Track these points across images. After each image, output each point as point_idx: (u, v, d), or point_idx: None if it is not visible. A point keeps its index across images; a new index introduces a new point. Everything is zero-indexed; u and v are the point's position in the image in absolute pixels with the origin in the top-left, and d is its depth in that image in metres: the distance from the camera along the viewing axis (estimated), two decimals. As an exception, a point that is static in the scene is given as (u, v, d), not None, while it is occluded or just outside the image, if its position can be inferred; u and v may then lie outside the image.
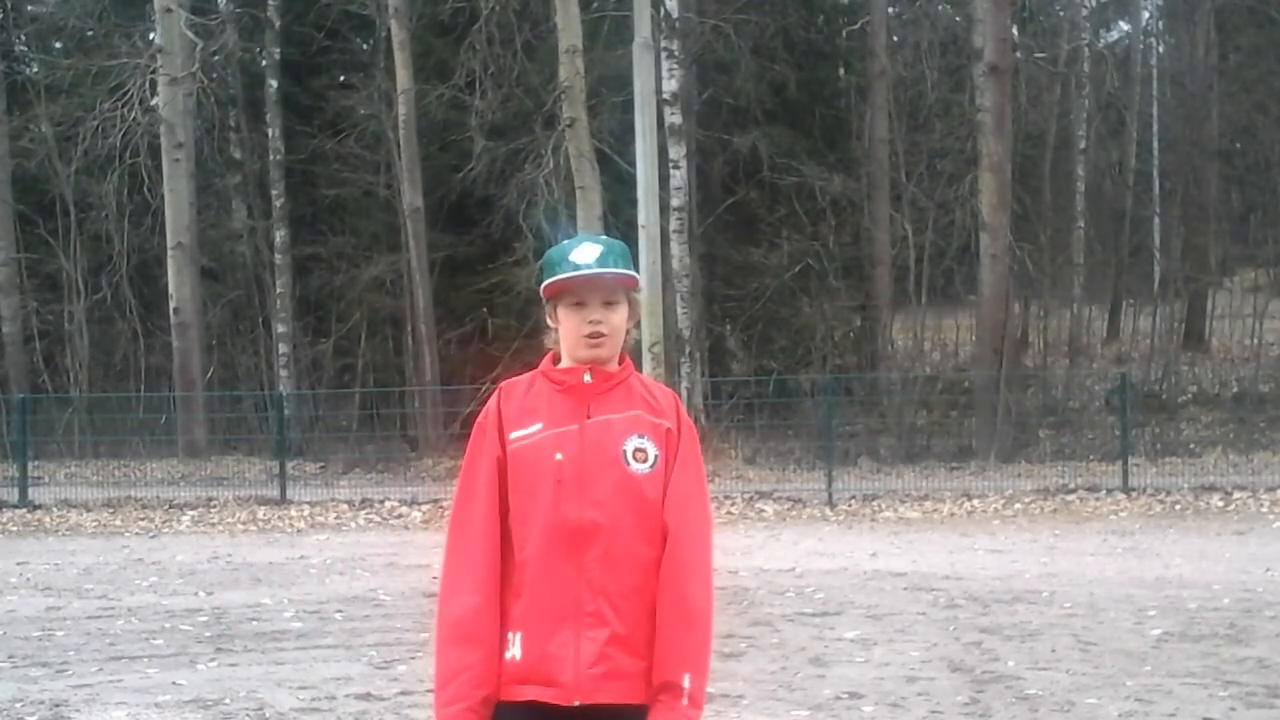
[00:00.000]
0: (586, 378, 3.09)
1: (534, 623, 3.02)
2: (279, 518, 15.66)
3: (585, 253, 3.08)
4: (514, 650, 3.03)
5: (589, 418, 3.06)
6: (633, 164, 16.13)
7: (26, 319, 24.45)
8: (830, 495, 15.85)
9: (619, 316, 3.09)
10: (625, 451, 3.04)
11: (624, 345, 3.15)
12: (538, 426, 3.07)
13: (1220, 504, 14.85)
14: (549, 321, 3.14)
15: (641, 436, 3.06)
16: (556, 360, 3.16)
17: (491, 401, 3.16)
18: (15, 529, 15.29)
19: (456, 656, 3.01)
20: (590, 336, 3.06)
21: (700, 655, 3.01)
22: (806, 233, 22.74)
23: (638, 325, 3.24)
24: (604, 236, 3.30)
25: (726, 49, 21.80)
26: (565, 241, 3.17)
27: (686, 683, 2.97)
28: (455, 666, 3.01)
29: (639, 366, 16.44)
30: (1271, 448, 17.94)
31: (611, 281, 3.06)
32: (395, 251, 22.56)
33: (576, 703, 2.99)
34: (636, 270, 3.17)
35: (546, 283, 3.08)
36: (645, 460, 3.04)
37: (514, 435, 3.08)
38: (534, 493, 3.04)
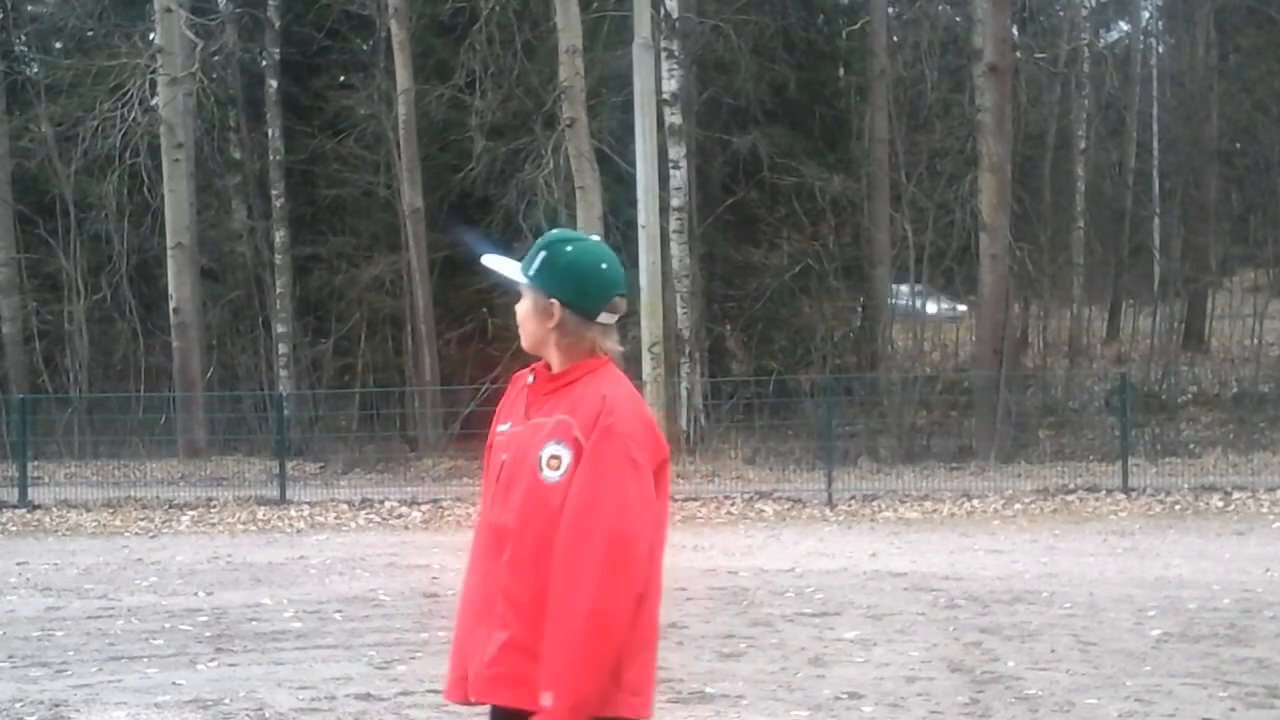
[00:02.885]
0: (529, 379, 3.14)
1: (462, 618, 3.14)
2: (279, 518, 15.65)
3: (489, 265, 3.28)
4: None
5: (528, 419, 3.09)
6: (633, 164, 16.16)
7: (26, 319, 24.43)
8: (830, 495, 15.84)
9: (521, 309, 3.14)
10: (541, 458, 3.01)
11: (550, 343, 3.08)
12: (508, 424, 3.16)
13: (1220, 504, 14.84)
14: None
15: (559, 443, 3.00)
16: None
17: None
18: (15, 529, 15.28)
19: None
20: None
21: (565, 675, 2.88)
22: (806, 233, 22.73)
23: (555, 321, 3.08)
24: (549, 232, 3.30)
25: (726, 49, 21.79)
26: None
27: (547, 701, 2.88)
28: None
29: (639, 366, 16.32)
30: (1271, 448, 17.92)
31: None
32: (395, 251, 22.56)
33: (473, 699, 3.06)
34: (535, 268, 3.09)
35: None
36: (558, 468, 3.00)
37: (497, 429, 3.20)
38: (485, 490, 3.16)
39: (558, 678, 2.88)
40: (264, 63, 24.28)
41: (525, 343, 3.15)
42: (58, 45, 26.08)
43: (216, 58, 24.19)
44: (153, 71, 21.74)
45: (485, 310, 22.49)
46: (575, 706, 2.88)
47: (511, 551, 3.01)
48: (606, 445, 2.95)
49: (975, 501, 15.48)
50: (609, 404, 2.98)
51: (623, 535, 2.91)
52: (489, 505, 3.11)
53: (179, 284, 21.42)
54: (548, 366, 3.12)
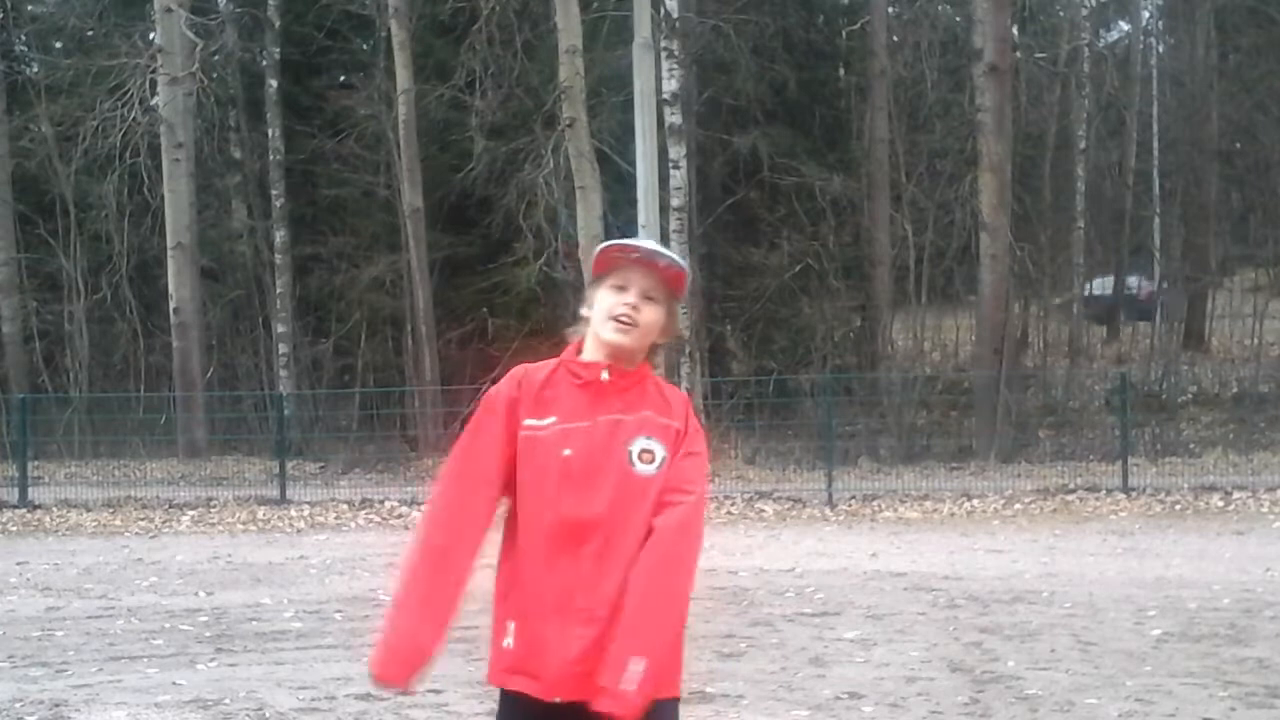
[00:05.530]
0: (604, 376, 3.10)
1: (527, 614, 3.03)
2: (279, 518, 15.65)
3: (644, 242, 3.19)
4: (509, 639, 3.05)
5: (601, 415, 3.07)
6: (633, 164, 16.12)
7: (26, 319, 24.45)
8: (830, 495, 15.84)
9: (653, 314, 3.11)
10: (632, 452, 3.05)
11: (647, 352, 3.17)
12: (552, 419, 3.08)
13: (1220, 504, 14.85)
14: (584, 310, 3.16)
15: (649, 438, 3.06)
16: (579, 352, 3.17)
17: (507, 382, 3.15)
18: (15, 529, 15.29)
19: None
20: (619, 319, 3.07)
21: (659, 643, 2.96)
22: (806, 233, 22.74)
23: (669, 340, 3.23)
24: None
25: (726, 49, 21.80)
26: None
27: (636, 665, 2.91)
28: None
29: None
30: (1271, 448, 17.93)
31: (662, 272, 3.10)
32: (395, 251, 22.56)
33: (557, 699, 2.98)
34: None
35: (603, 247, 3.15)
36: (651, 462, 3.05)
37: (527, 423, 3.09)
38: (539, 485, 3.04)
39: (651, 644, 2.95)
40: (264, 63, 24.30)
41: (633, 341, 3.09)
42: (58, 45, 26.10)
43: (216, 58, 24.20)
44: (153, 71, 21.76)
45: (485, 310, 22.49)
46: (660, 679, 2.96)
47: (602, 544, 3.00)
48: (696, 435, 3.12)
49: (975, 501, 15.48)
50: (688, 400, 3.20)
51: (701, 517, 3.11)
52: (555, 500, 3.02)
53: (179, 284, 21.44)
54: (616, 366, 3.12)
